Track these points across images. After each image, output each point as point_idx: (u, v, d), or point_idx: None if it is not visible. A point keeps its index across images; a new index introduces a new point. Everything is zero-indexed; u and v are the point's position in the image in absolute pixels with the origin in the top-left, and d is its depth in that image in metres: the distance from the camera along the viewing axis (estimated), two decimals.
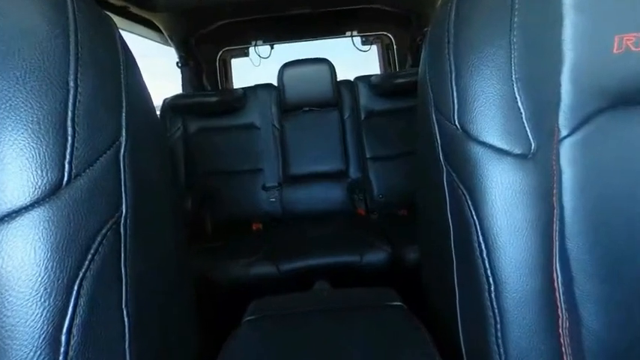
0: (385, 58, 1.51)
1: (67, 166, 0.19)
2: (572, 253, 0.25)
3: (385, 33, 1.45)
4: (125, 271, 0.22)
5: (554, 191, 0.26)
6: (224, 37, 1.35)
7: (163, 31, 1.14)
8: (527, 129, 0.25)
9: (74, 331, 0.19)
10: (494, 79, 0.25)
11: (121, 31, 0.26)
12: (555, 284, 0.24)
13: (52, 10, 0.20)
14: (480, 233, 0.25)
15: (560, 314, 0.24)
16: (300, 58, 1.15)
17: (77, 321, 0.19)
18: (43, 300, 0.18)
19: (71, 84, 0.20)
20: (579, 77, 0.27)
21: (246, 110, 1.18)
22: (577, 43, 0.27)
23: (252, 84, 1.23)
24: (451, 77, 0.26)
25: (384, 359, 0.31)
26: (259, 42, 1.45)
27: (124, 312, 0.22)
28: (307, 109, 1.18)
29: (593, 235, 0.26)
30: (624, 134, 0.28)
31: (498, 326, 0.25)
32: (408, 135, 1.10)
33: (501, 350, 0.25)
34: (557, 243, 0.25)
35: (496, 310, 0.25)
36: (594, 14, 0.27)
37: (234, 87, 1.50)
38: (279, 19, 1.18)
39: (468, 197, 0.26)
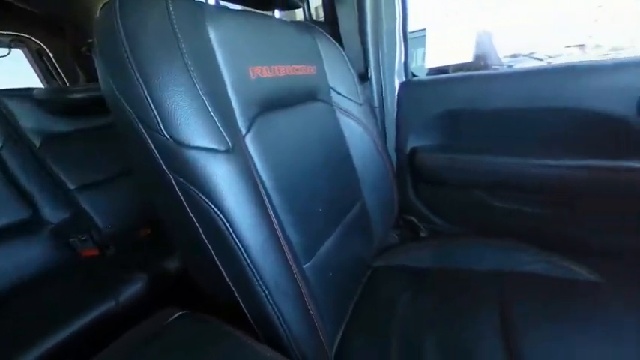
0: (44, 69, 1.21)
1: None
2: (277, 207, 0.39)
3: (29, 37, 1.14)
4: None
5: (254, 171, 0.35)
6: None
7: None
8: (223, 132, 0.31)
9: None
10: (185, 95, 0.29)
11: None
12: (275, 226, 0.36)
13: None
14: (220, 216, 0.30)
15: (281, 240, 0.36)
16: None
17: None
18: None
19: None
20: (238, 93, 0.36)
21: None
22: (227, 70, 0.36)
23: None
24: (144, 93, 0.28)
25: None
26: None
27: None
28: None
29: (285, 194, 0.40)
30: (276, 128, 0.42)
31: (253, 268, 0.32)
32: (119, 153, 1.01)
33: (261, 282, 0.33)
34: (268, 203, 0.35)
35: (249, 262, 0.32)
36: (232, 50, 0.37)
37: None
38: None
39: (200, 193, 0.29)
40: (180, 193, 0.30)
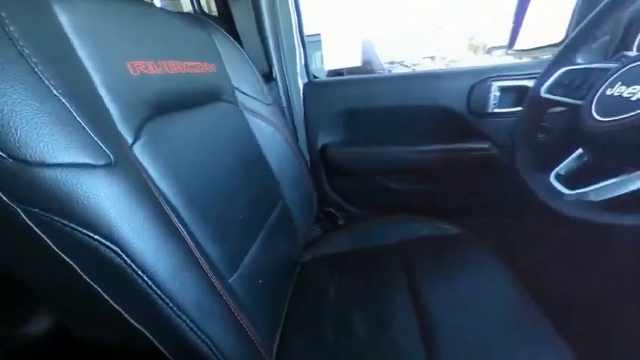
0: None
1: None
2: (188, 222, 0.34)
3: None
4: None
5: (151, 186, 0.30)
6: None
7: None
8: (99, 142, 0.25)
9: None
10: (29, 95, 0.22)
11: None
12: (189, 244, 0.31)
13: None
14: (112, 247, 0.24)
15: (198, 259, 0.32)
16: None
17: None
18: None
19: None
20: (115, 93, 0.30)
21: None
22: (94, 64, 0.29)
23: None
24: None
25: None
26: None
27: None
28: None
29: (196, 206, 0.36)
30: (175, 133, 0.37)
31: (167, 300, 0.27)
32: None
33: (179, 313, 0.28)
34: (175, 219, 0.31)
35: (161, 294, 0.27)
36: (97, 40, 0.30)
37: None
38: None
39: (72, 224, 0.23)
40: (37, 229, 0.23)
